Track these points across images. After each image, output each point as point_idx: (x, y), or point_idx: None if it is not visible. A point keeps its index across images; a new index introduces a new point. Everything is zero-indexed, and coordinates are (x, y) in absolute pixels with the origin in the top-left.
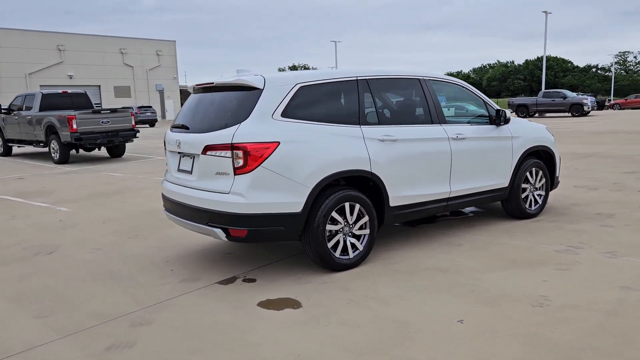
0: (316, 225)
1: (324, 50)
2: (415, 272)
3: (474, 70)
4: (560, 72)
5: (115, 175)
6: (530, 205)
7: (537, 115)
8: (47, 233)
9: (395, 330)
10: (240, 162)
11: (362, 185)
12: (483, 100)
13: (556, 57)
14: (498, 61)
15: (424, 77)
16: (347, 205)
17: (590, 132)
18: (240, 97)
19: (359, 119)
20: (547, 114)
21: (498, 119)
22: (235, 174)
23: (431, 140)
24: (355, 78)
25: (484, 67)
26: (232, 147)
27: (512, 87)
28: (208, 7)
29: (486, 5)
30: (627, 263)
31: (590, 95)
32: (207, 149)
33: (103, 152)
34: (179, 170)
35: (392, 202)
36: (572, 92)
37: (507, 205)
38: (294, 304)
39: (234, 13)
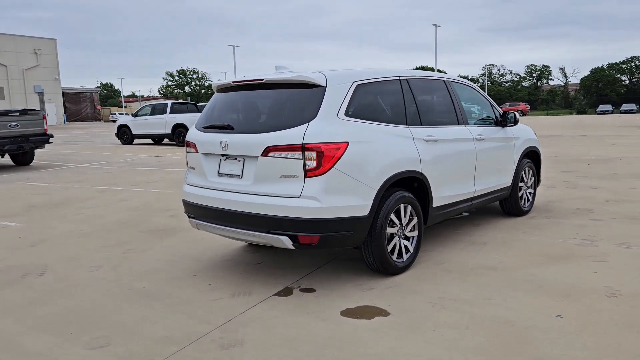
0: (379, 228)
1: (209, 54)
2: (467, 271)
3: None
4: None
5: (40, 185)
6: (524, 203)
7: None
8: (15, 252)
9: (508, 330)
10: (313, 164)
11: (408, 187)
12: (490, 102)
13: (431, 68)
14: None
15: (448, 79)
16: (402, 207)
17: None
18: (301, 95)
19: (406, 119)
20: None
21: (505, 121)
22: (305, 177)
23: (462, 141)
24: (398, 77)
25: None
26: (304, 147)
27: None
28: (82, 5)
29: (366, 17)
30: None
31: None
32: (269, 150)
33: (4, 160)
34: (220, 174)
35: (435, 203)
36: None
37: (506, 203)
38: (380, 311)
39: (110, 13)
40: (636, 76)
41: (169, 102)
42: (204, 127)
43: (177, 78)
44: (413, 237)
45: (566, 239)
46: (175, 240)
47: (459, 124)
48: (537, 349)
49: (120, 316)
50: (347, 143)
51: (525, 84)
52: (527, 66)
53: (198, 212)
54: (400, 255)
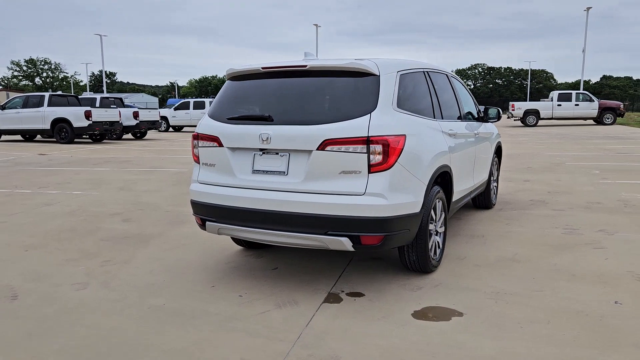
0: (424, 225)
1: (62, 44)
2: (494, 264)
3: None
4: None
5: None
6: (492, 196)
7: None
8: None
9: (588, 321)
10: (379, 158)
11: (438, 182)
12: (472, 98)
13: None
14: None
15: (449, 73)
16: (437, 202)
17: None
18: (355, 84)
19: (434, 112)
20: None
21: (486, 117)
22: (369, 172)
23: (469, 136)
24: (423, 69)
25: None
26: (369, 140)
27: None
28: None
29: (226, 14)
30: (629, 237)
31: None
32: (327, 143)
33: None
34: (256, 171)
35: (454, 197)
36: None
37: (479, 197)
38: (450, 311)
39: None
40: (480, 81)
41: (47, 94)
42: (230, 119)
43: (25, 68)
44: (441, 233)
45: (550, 229)
46: (154, 248)
47: (461, 119)
48: (631, 336)
49: (168, 342)
50: (405, 136)
51: None
52: None
53: (222, 214)
54: (435, 252)
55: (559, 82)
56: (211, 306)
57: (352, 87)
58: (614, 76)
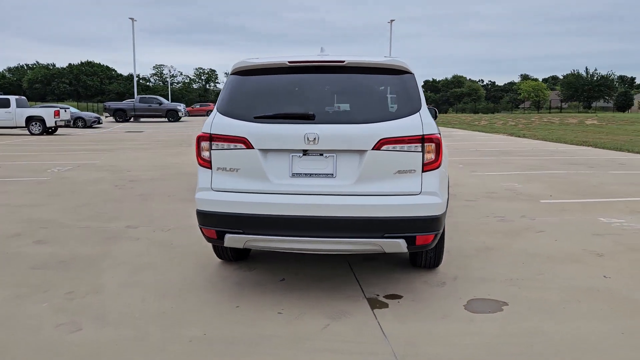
0: (445, 222)
1: None
2: (476, 254)
3: (10, 69)
4: (106, 79)
5: None
6: None
7: (132, 120)
8: None
9: (602, 295)
10: (431, 157)
11: None
12: None
13: (100, 64)
14: (37, 62)
15: None
16: None
17: None
18: (396, 82)
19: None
20: (144, 119)
21: None
22: (423, 171)
23: None
24: None
25: (21, 67)
26: (424, 139)
27: (58, 90)
28: None
29: (17, 4)
30: (551, 221)
31: (182, 103)
32: (383, 142)
33: None
34: (295, 174)
35: None
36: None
37: None
38: (495, 302)
39: None
40: None
41: None
42: (259, 118)
43: None
44: None
45: (483, 218)
46: (114, 271)
47: None
48: None
49: None
50: (440, 134)
51: (195, 86)
52: (196, 69)
53: (251, 225)
54: None
55: None
56: (260, 328)
57: (395, 85)
58: None
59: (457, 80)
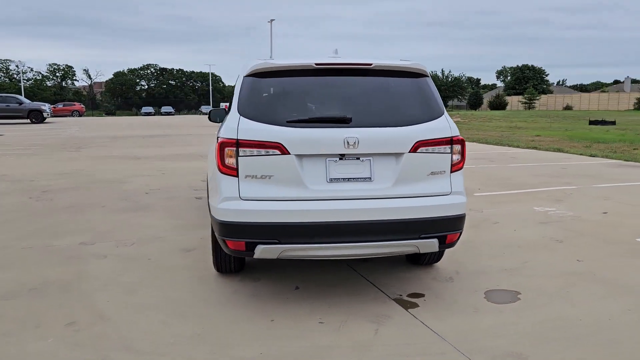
0: None
1: None
2: (459, 247)
3: None
4: None
5: None
6: None
7: None
8: None
9: (597, 278)
10: (457, 157)
11: None
12: None
13: None
14: None
15: None
16: None
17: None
18: (417, 85)
19: None
20: (1, 120)
21: None
22: (451, 172)
23: None
24: None
25: None
26: (452, 141)
27: None
28: None
29: None
30: (491, 212)
31: (47, 103)
32: (419, 145)
33: None
34: (333, 179)
35: None
36: None
37: None
38: (509, 293)
39: None
40: (153, 82)
41: None
42: (293, 122)
43: None
44: None
45: None
46: (101, 296)
47: None
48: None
49: None
50: None
51: (49, 83)
52: (50, 65)
53: (288, 234)
54: None
55: (227, 85)
56: (312, 340)
57: (418, 88)
58: None
59: None
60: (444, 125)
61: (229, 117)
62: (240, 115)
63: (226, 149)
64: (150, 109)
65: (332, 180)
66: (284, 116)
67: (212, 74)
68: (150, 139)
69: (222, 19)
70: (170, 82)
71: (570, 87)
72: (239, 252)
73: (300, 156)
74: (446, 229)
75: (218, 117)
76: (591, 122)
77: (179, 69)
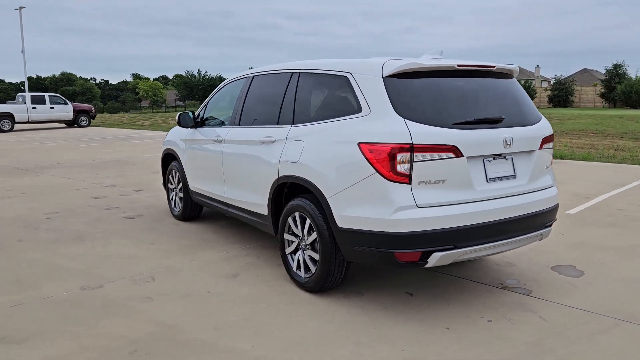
0: None
1: None
2: None
3: None
4: None
5: None
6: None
7: None
8: None
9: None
10: (552, 153)
11: None
12: None
13: None
14: None
15: None
16: None
17: None
18: (517, 85)
19: None
20: None
21: None
22: (546, 167)
23: None
24: None
25: None
26: (553, 137)
27: None
28: None
29: None
30: None
31: None
32: (544, 141)
33: None
34: (490, 179)
35: None
36: None
37: None
38: (573, 269)
39: None
40: None
41: None
42: (459, 124)
43: None
44: None
45: None
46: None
47: None
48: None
49: None
50: None
51: None
52: None
53: (463, 237)
54: None
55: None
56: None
57: (521, 89)
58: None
59: (67, 78)
60: (548, 123)
61: (378, 120)
62: (404, 118)
63: (399, 155)
64: None
65: (490, 180)
66: (448, 118)
67: None
68: None
69: None
70: None
71: None
72: (411, 263)
73: (469, 158)
74: (554, 216)
75: (188, 121)
76: None
77: None
